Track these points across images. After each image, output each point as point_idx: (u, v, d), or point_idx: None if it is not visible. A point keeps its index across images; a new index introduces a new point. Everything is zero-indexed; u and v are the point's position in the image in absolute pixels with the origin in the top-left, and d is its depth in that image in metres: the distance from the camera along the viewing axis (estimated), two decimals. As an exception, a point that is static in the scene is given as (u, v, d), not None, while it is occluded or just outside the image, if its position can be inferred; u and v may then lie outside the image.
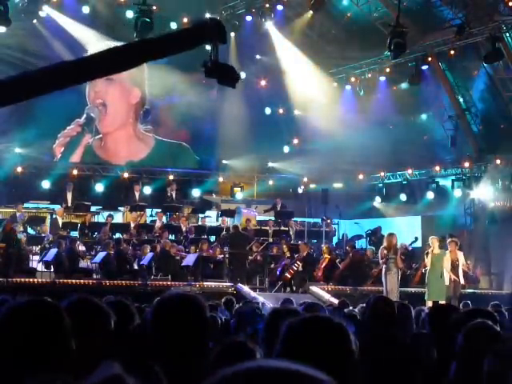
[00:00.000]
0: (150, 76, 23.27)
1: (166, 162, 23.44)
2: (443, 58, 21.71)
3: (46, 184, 21.10)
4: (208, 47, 25.04)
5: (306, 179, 24.43)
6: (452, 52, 21.00)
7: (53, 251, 16.67)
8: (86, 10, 21.64)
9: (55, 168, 21.69)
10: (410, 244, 20.00)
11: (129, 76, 23.16)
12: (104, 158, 23.29)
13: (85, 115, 22.86)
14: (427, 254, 15.01)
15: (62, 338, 2.26)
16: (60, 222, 19.54)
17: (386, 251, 15.41)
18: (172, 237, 19.50)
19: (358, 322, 6.14)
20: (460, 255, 15.37)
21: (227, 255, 18.19)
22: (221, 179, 23.87)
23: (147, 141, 23.87)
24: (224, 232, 19.30)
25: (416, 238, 20.46)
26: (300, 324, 2.10)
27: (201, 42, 4.84)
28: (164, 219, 20.54)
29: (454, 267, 15.13)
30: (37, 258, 17.47)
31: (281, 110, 25.00)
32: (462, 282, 15.41)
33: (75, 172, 21.87)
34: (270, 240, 19.83)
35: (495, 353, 2.72)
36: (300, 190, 24.61)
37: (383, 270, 15.48)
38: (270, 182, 24.37)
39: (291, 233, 20.53)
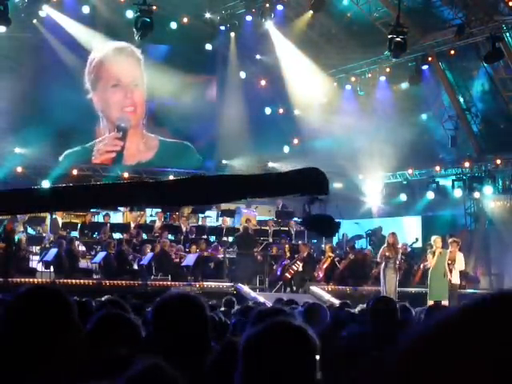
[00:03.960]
0: (151, 77, 23.25)
1: (171, 161, 23.41)
2: (443, 58, 21.69)
3: (45, 184, 21.08)
4: (208, 47, 24.94)
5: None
6: (452, 52, 20.98)
7: (53, 251, 16.67)
8: (85, 9, 21.65)
9: (55, 168, 21.66)
10: (411, 245, 20.03)
11: (141, 80, 23.21)
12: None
13: (116, 128, 22.80)
14: (433, 253, 15.00)
15: (68, 322, 2.25)
16: (60, 222, 19.55)
17: (386, 251, 15.44)
18: (172, 237, 19.48)
19: (359, 323, 6.13)
20: (459, 256, 15.36)
21: (234, 255, 18.21)
22: (221, 179, 23.83)
23: (152, 141, 23.84)
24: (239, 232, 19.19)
25: (416, 239, 20.52)
26: (257, 336, 2.07)
27: (303, 193, 4.80)
28: (164, 219, 20.53)
29: (450, 267, 15.11)
30: (37, 258, 17.47)
31: (281, 110, 24.99)
32: (458, 282, 15.37)
33: (75, 172, 21.85)
34: (270, 240, 19.82)
35: None
36: (300, 190, 24.57)
37: (382, 269, 15.51)
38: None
39: (291, 233, 20.51)
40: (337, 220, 6.20)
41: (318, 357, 2.05)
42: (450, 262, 15.08)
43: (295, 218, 20.74)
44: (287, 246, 18.69)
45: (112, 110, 22.91)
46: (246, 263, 18.01)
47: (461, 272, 15.53)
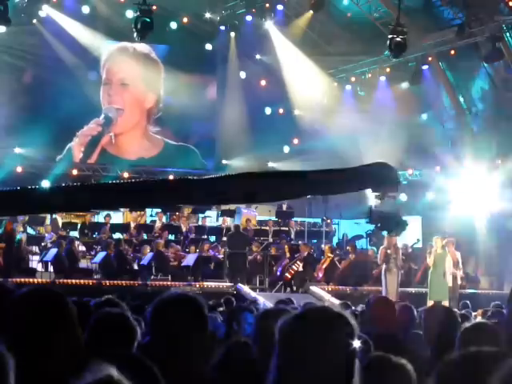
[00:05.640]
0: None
1: (174, 164, 23.39)
2: (443, 58, 21.69)
3: (45, 184, 21.06)
4: (208, 47, 24.88)
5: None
6: (452, 52, 20.98)
7: (53, 251, 16.68)
8: (85, 9, 21.64)
9: (55, 168, 21.65)
10: (412, 245, 20.03)
11: (144, 81, 23.15)
12: (115, 154, 23.17)
13: (103, 115, 22.77)
14: (430, 253, 15.03)
15: (67, 324, 2.25)
16: (60, 222, 19.54)
17: (386, 251, 15.45)
18: (172, 237, 19.49)
19: (358, 323, 6.11)
20: (458, 255, 15.41)
21: (227, 255, 18.19)
22: (221, 179, 23.80)
23: (156, 142, 23.76)
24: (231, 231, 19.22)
25: (418, 240, 20.53)
26: (293, 320, 2.07)
27: (374, 189, 4.76)
28: (164, 219, 20.52)
29: (455, 267, 15.16)
30: (37, 258, 17.46)
31: (281, 110, 24.97)
32: (459, 282, 15.44)
33: (75, 172, 21.85)
34: (270, 240, 19.81)
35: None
36: (300, 190, 24.52)
37: (383, 270, 15.51)
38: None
39: (291, 233, 20.50)
40: (404, 218, 6.12)
41: (357, 344, 2.03)
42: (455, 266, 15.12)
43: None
44: (286, 246, 18.66)
45: (102, 105, 22.94)
46: (236, 263, 17.96)
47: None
